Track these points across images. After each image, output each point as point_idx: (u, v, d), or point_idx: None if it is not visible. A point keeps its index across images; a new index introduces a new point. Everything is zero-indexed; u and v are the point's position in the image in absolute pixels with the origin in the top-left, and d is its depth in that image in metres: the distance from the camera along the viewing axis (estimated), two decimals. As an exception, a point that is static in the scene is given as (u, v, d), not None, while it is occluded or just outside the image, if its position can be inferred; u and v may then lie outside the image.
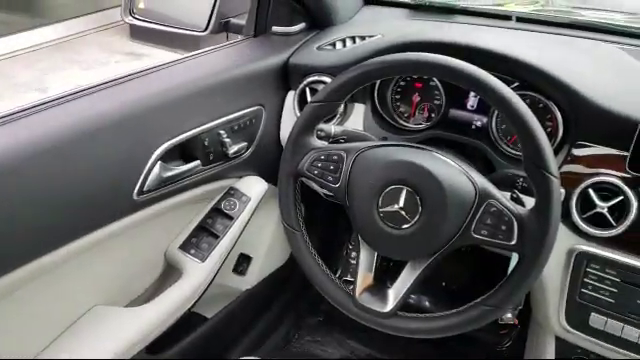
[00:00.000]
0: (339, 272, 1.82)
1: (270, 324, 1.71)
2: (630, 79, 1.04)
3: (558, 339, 1.12)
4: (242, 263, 1.51)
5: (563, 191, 0.86)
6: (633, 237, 0.96)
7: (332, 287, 0.95)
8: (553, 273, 1.05)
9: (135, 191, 1.00)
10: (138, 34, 5.30)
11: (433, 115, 1.20)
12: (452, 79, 0.85)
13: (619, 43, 1.18)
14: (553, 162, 0.79)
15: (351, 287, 0.95)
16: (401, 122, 1.24)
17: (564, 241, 1.03)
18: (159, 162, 1.03)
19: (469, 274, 1.83)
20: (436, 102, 1.20)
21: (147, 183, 1.02)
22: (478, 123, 1.16)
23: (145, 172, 1.01)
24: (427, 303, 1.86)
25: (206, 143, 1.13)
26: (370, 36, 1.26)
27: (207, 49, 1.27)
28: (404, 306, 0.92)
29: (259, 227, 1.42)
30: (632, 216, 0.95)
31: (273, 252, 1.56)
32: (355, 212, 0.91)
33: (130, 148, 0.99)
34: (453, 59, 0.83)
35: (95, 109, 0.96)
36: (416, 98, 1.22)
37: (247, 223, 1.25)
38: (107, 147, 0.95)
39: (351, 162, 0.90)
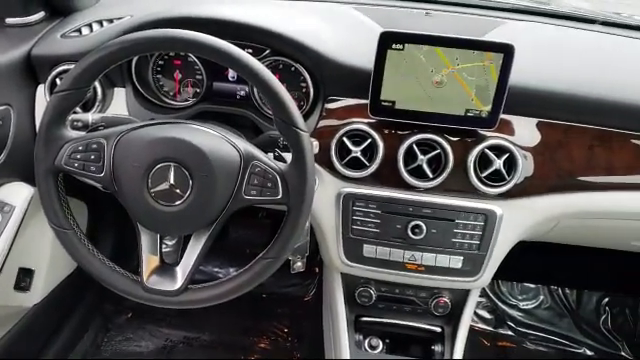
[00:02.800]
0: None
1: (73, 334, 1.61)
2: (361, 33, 1.17)
3: (344, 274, 1.25)
4: (24, 278, 1.38)
5: (316, 142, 0.95)
6: (384, 173, 1.11)
7: (117, 277, 0.93)
8: (327, 216, 1.16)
9: None
10: None
11: (198, 90, 1.22)
12: (190, 51, 0.87)
13: (353, 3, 1.31)
14: (299, 118, 0.86)
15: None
16: (168, 101, 1.23)
17: (332, 186, 1.14)
18: None
19: (270, 236, 1.93)
20: (198, 77, 1.21)
21: None
22: (242, 92, 1.21)
23: None
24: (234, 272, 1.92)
25: None
26: (119, 18, 1.22)
27: None
28: (209, 280, 0.93)
29: (35, 236, 1.31)
30: (380, 155, 1.09)
31: (58, 260, 1.46)
32: (126, 197, 0.89)
33: None
34: (190, 32, 0.85)
35: None
36: (178, 75, 1.22)
37: (16, 234, 1.14)
38: None
39: (112, 147, 0.88)
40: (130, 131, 0.89)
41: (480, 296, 2.08)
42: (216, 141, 0.89)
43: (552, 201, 1.13)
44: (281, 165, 0.88)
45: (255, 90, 1.19)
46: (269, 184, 0.87)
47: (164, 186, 0.86)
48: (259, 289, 2.02)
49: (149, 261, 0.92)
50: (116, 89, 1.20)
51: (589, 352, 1.94)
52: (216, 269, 2.06)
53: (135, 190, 0.87)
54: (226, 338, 1.84)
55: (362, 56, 1.10)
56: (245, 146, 0.89)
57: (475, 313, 2.03)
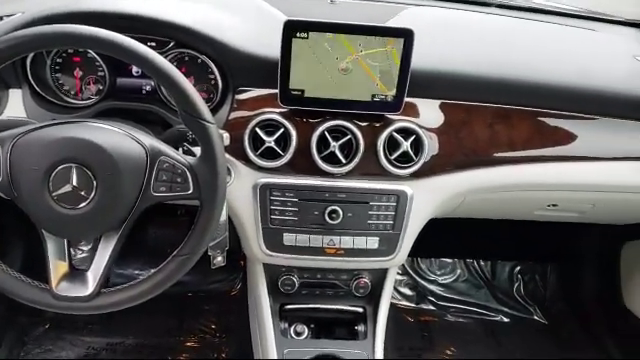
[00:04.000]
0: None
1: (-17, 352, 1.51)
2: (267, 23, 1.17)
3: (266, 265, 1.25)
4: None
5: (226, 134, 0.95)
6: (299, 161, 1.12)
7: (23, 287, 0.89)
8: (245, 208, 1.16)
9: None
10: None
11: (101, 87, 1.17)
12: (85, 46, 0.84)
13: None
14: (205, 110, 0.86)
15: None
16: (69, 100, 1.18)
17: (248, 178, 1.14)
18: None
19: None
20: (100, 73, 1.16)
21: None
22: (147, 87, 1.17)
23: None
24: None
25: None
26: (9, 15, 1.14)
27: None
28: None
29: None
30: (293, 143, 1.10)
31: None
32: (27, 203, 0.85)
33: None
34: (83, 27, 0.81)
35: None
36: (78, 73, 1.17)
37: None
38: None
39: (8, 152, 0.83)
40: (27, 133, 0.85)
41: (401, 274, 2.15)
42: (119, 138, 0.86)
43: (458, 178, 1.19)
44: (190, 159, 0.87)
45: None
46: (179, 179, 0.86)
47: (66, 188, 0.83)
48: (184, 287, 2.00)
49: (57, 267, 0.88)
50: (11, 90, 1.13)
51: (505, 319, 2.07)
52: (137, 271, 2.00)
53: (36, 195, 0.83)
54: (151, 340, 1.79)
55: (268, 46, 1.10)
56: (151, 142, 0.87)
57: (397, 291, 2.11)
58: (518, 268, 2.18)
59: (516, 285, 2.16)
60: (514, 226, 1.68)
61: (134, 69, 1.17)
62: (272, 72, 1.07)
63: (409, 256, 2.13)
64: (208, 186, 0.86)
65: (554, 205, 1.37)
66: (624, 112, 1.23)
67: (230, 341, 1.82)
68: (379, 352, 1.21)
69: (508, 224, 1.63)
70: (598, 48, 1.36)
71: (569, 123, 1.22)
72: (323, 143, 1.11)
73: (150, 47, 0.85)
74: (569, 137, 1.23)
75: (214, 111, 1.13)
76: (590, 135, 1.23)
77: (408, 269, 2.17)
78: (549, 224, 1.60)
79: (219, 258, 1.17)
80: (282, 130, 1.10)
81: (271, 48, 1.08)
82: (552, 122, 1.21)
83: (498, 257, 2.18)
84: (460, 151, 1.18)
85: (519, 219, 1.55)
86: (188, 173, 0.86)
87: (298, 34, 1.03)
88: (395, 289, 2.11)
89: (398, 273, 2.15)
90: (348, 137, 1.11)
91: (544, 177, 1.23)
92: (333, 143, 1.10)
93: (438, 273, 2.19)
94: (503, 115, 1.19)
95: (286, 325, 1.28)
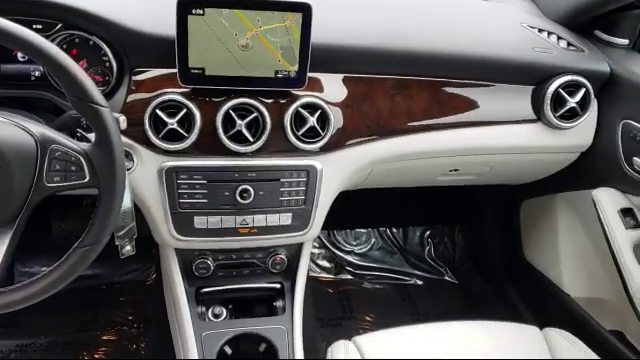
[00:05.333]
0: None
1: None
2: (161, 1, 1.12)
3: (178, 250, 1.23)
4: None
5: (123, 117, 0.90)
6: (205, 142, 1.10)
7: None
8: (152, 193, 1.12)
9: None
10: None
11: None
12: None
13: None
14: (96, 93, 0.81)
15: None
16: None
17: (152, 162, 1.10)
18: None
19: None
20: None
21: None
22: (36, 73, 1.09)
23: None
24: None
25: None
26: None
27: None
28: None
29: None
30: (198, 124, 1.07)
31: None
32: None
33: None
34: None
35: None
36: None
37: None
38: None
39: None
40: None
41: (319, 248, 2.19)
42: (5, 128, 0.80)
43: (364, 149, 1.22)
44: (84, 146, 0.83)
45: None
46: (73, 168, 0.81)
47: None
48: (97, 280, 1.92)
49: None
50: None
51: (419, 282, 2.17)
52: (44, 268, 1.88)
53: None
54: (64, 337, 1.71)
55: (163, 24, 1.05)
56: (40, 130, 0.82)
57: (316, 264, 2.15)
58: (428, 232, 2.29)
59: (427, 249, 2.26)
60: (422, 193, 1.76)
61: (19, 54, 1.08)
62: (170, 51, 1.03)
63: (325, 229, 2.19)
64: (105, 173, 0.82)
65: (455, 170, 1.44)
66: (514, 78, 1.30)
67: (148, 331, 1.77)
68: (298, 325, 1.23)
69: (417, 191, 1.69)
70: (489, 17, 1.43)
71: (467, 91, 1.28)
72: (229, 122, 1.09)
73: (36, 30, 0.79)
74: (468, 104, 1.29)
75: (111, 94, 1.08)
76: (487, 101, 1.30)
77: (325, 242, 2.21)
78: (454, 189, 1.68)
79: (128, 247, 1.13)
80: (185, 111, 1.07)
81: (167, 27, 1.04)
82: (451, 90, 1.27)
83: (409, 223, 2.27)
84: (364, 123, 1.20)
85: (424, 185, 1.61)
86: (83, 161, 0.81)
87: (193, 11, 0.99)
88: (314, 262, 2.15)
89: (315, 247, 2.19)
90: (254, 115, 1.10)
91: (445, 144, 1.28)
92: (239, 122, 1.09)
93: (354, 243, 2.25)
94: (403, 86, 1.22)
95: (203, 309, 1.26)
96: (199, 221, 1.15)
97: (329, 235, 2.22)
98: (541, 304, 1.75)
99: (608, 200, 1.33)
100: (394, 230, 2.28)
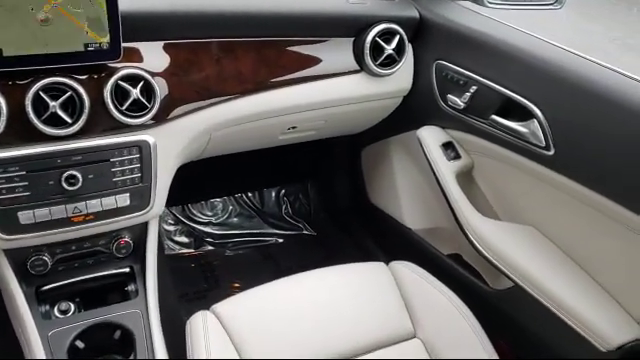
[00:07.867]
0: None
1: None
2: None
3: (7, 251, 1.12)
4: None
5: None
6: (16, 129, 1.00)
7: None
8: None
9: None
10: None
11: None
12: None
13: None
14: None
15: None
16: None
17: None
18: None
19: None
20: None
21: None
22: None
23: None
24: None
25: None
26: None
27: None
28: None
29: None
30: (4, 110, 0.98)
31: None
32: None
33: None
34: None
35: None
36: None
37: None
38: None
39: None
40: None
41: (174, 224, 2.14)
42: None
43: (198, 117, 1.20)
44: None
45: None
46: None
47: None
48: None
49: None
50: None
51: (280, 240, 2.21)
52: None
53: None
54: None
55: None
56: None
57: (174, 241, 2.10)
58: (283, 191, 2.33)
59: (283, 207, 2.31)
60: (272, 154, 1.78)
61: None
62: None
63: (179, 204, 2.14)
64: None
65: (294, 127, 1.48)
66: (335, 31, 1.35)
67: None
68: (153, 306, 1.19)
69: (266, 153, 1.71)
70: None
71: (293, 48, 1.30)
72: (42, 105, 1.01)
73: None
74: (295, 62, 1.32)
75: None
76: (313, 58, 1.33)
77: (180, 217, 2.16)
78: (302, 145, 1.72)
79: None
80: (70, 93, 1.00)
81: None
82: (276, 50, 1.28)
83: (263, 186, 2.30)
84: (193, 90, 1.18)
85: (269, 147, 1.63)
86: None
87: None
88: (171, 240, 2.10)
89: (171, 223, 2.13)
90: (69, 94, 1.02)
91: (277, 103, 1.31)
92: (52, 103, 1.00)
93: (210, 214, 2.22)
94: (228, 49, 1.21)
95: (47, 307, 1.17)
96: (25, 216, 1.05)
97: (184, 209, 2.17)
98: (388, 242, 1.89)
99: (430, 136, 1.46)
100: (250, 195, 2.29)
